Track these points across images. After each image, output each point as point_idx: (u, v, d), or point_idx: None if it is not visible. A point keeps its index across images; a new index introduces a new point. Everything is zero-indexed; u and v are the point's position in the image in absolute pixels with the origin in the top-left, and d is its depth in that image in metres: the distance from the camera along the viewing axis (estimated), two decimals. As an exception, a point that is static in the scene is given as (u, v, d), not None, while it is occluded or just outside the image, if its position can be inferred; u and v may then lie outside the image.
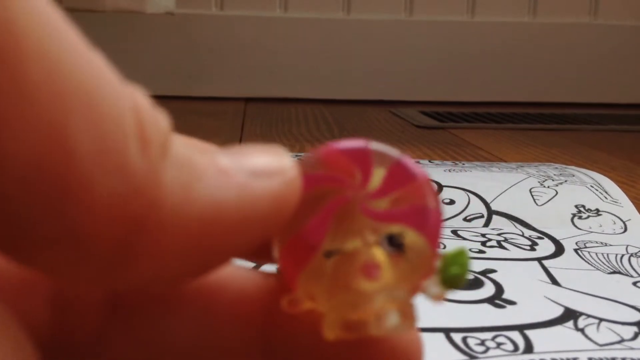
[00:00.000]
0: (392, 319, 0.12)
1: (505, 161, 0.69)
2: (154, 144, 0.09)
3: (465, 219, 0.48)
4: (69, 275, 0.10)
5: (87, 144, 0.09)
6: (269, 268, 0.13)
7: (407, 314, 0.12)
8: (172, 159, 0.10)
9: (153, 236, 0.09)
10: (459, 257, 0.13)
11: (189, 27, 1.13)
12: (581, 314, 0.33)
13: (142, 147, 0.09)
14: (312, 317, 0.12)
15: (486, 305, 0.34)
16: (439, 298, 0.13)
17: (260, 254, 0.13)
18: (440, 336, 0.30)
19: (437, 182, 0.52)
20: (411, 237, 0.12)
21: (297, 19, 1.15)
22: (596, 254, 0.42)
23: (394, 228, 0.12)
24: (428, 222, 0.12)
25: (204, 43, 1.13)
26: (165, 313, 0.13)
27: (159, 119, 0.10)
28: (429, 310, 0.33)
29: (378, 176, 0.12)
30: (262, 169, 0.11)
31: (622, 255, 0.42)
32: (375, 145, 0.12)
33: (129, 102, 0.09)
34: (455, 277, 0.12)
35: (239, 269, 0.13)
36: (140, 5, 0.96)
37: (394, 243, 0.12)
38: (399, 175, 0.12)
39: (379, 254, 0.12)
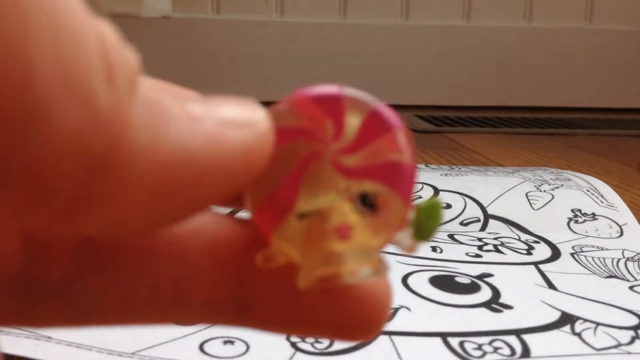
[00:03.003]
0: (364, 272, 0.12)
1: (501, 165, 0.69)
2: (121, 76, 0.09)
3: (461, 223, 0.48)
4: (26, 217, 0.09)
5: (49, 65, 0.08)
6: (245, 215, 0.13)
7: (379, 267, 0.12)
8: (141, 98, 0.09)
9: (116, 176, 0.09)
10: (432, 209, 0.13)
11: (186, 31, 1.13)
12: (578, 318, 0.33)
13: (108, 78, 0.09)
14: (287, 266, 0.12)
15: (483, 310, 0.34)
16: (411, 250, 0.13)
17: (234, 204, 0.13)
18: (438, 341, 0.30)
19: (433, 186, 0.52)
20: (384, 194, 0.12)
21: (293, 23, 1.15)
22: (592, 258, 0.42)
23: (367, 185, 0.12)
24: (401, 178, 0.12)
25: (200, 47, 1.13)
26: (138, 259, 0.12)
27: (128, 55, 0.09)
28: (426, 316, 0.33)
29: (352, 125, 0.12)
30: (234, 119, 0.10)
31: (619, 260, 0.42)
32: (349, 92, 0.12)
33: (93, 31, 0.09)
34: (428, 229, 0.13)
35: (215, 215, 0.13)
36: (137, 9, 0.96)
37: (367, 202, 0.12)
38: (374, 126, 0.12)
39: (352, 214, 0.12)
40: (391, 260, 0.40)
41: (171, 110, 0.10)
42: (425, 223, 0.12)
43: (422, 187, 0.51)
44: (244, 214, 0.13)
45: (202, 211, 0.11)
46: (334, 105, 0.12)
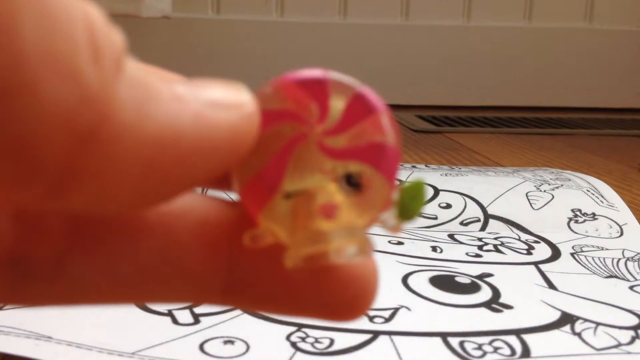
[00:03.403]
0: (350, 251, 0.12)
1: (501, 165, 0.69)
2: (107, 56, 0.09)
3: (461, 223, 0.48)
4: (16, 192, 0.09)
5: (36, 44, 0.08)
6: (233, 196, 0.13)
7: (365, 246, 0.12)
8: (127, 76, 0.09)
9: (103, 152, 0.09)
10: (416, 190, 0.13)
11: (186, 31, 1.13)
12: (578, 318, 0.33)
13: (94, 57, 0.09)
14: (274, 246, 0.12)
15: (483, 310, 0.34)
16: (396, 230, 0.13)
17: (221, 185, 0.13)
18: (438, 340, 0.30)
19: (433, 186, 0.52)
20: (369, 174, 0.12)
21: (293, 23, 1.15)
22: (592, 258, 0.42)
23: (352, 166, 0.12)
24: (385, 159, 0.12)
25: (200, 47, 1.13)
26: (127, 239, 0.12)
27: (113, 34, 0.10)
28: (426, 316, 0.33)
29: (337, 108, 0.12)
30: (220, 100, 0.11)
31: (619, 259, 0.42)
32: (334, 75, 0.12)
33: (79, 11, 0.09)
34: (412, 209, 0.13)
35: (203, 196, 0.13)
36: (136, 9, 0.96)
37: (352, 182, 0.12)
38: (358, 109, 0.12)
39: (337, 194, 0.12)
40: (392, 260, 0.40)
41: (157, 90, 0.10)
42: (410, 203, 0.13)
43: (422, 187, 0.51)
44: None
45: (189, 190, 0.11)
46: (318, 89, 0.12)
